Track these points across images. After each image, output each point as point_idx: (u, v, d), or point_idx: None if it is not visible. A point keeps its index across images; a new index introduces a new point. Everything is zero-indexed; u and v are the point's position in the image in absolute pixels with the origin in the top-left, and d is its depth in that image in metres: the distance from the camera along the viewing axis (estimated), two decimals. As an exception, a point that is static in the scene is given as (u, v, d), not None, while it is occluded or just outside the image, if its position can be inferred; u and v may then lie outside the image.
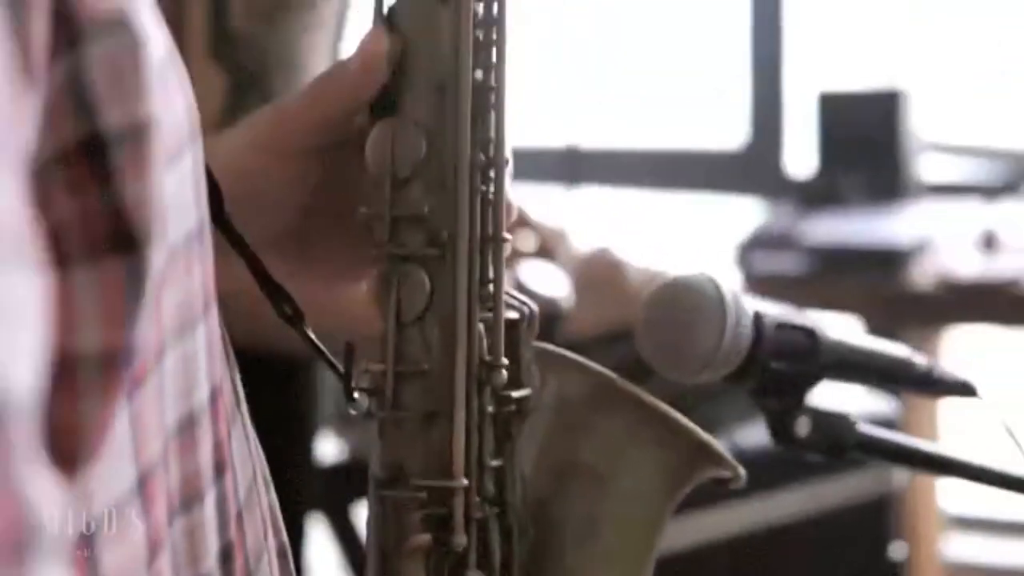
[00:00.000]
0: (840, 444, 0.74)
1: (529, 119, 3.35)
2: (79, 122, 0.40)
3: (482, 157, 0.62)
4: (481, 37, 0.63)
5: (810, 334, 0.73)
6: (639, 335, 0.70)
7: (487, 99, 0.62)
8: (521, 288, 1.34)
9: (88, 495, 0.41)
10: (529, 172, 3.23)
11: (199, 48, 1.11)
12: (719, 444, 0.68)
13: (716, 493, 1.22)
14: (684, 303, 0.69)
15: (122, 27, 0.41)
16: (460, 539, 0.60)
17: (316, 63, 0.66)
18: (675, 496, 0.70)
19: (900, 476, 1.44)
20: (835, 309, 2.42)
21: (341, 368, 0.64)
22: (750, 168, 2.87)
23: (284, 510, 0.63)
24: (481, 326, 0.62)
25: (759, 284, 2.26)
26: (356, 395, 0.63)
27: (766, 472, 1.18)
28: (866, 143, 2.48)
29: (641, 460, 0.68)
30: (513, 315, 0.65)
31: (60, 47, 0.39)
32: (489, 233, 0.62)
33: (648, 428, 0.68)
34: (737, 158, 2.92)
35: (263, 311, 0.64)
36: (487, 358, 0.62)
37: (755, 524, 1.26)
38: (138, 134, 0.42)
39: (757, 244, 2.33)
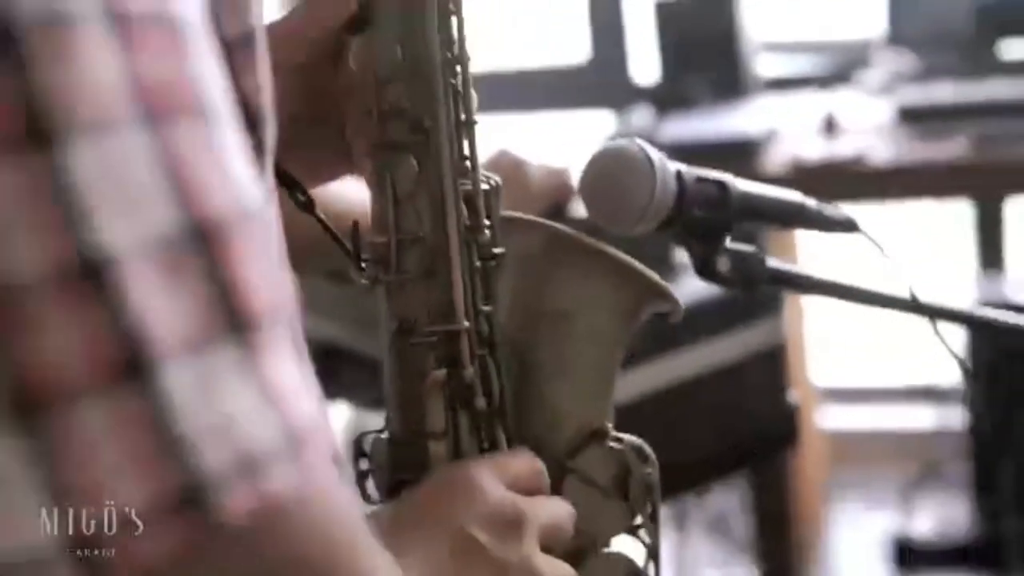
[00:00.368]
0: (754, 278, 0.89)
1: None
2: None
3: (448, 55, 0.74)
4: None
5: (722, 186, 0.87)
6: (582, 198, 0.84)
7: (447, 8, 0.75)
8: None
9: None
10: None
11: None
12: (661, 281, 0.82)
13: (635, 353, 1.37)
14: (619, 166, 0.83)
15: None
16: (469, 372, 0.74)
17: None
18: (630, 329, 0.83)
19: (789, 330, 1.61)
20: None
21: (349, 246, 0.76)
22: (597, 81, 3.00)
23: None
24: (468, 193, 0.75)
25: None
26: (364, 265, 0.76)
27: (670, 333, 1.33)
28: (705, 46, 2.62)
29: (598, 300, 0.81)
30: (485, 187, 0.78)
31: None
32: (462, 118, 0.75)
33: (601, 271, 0.81)
34: (583, 72, 3.05)
35: None
36: (475, 222, 0.75)
37: (662, 382, 1.40)
38: (250, 40, 0.54)
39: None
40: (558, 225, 0.81)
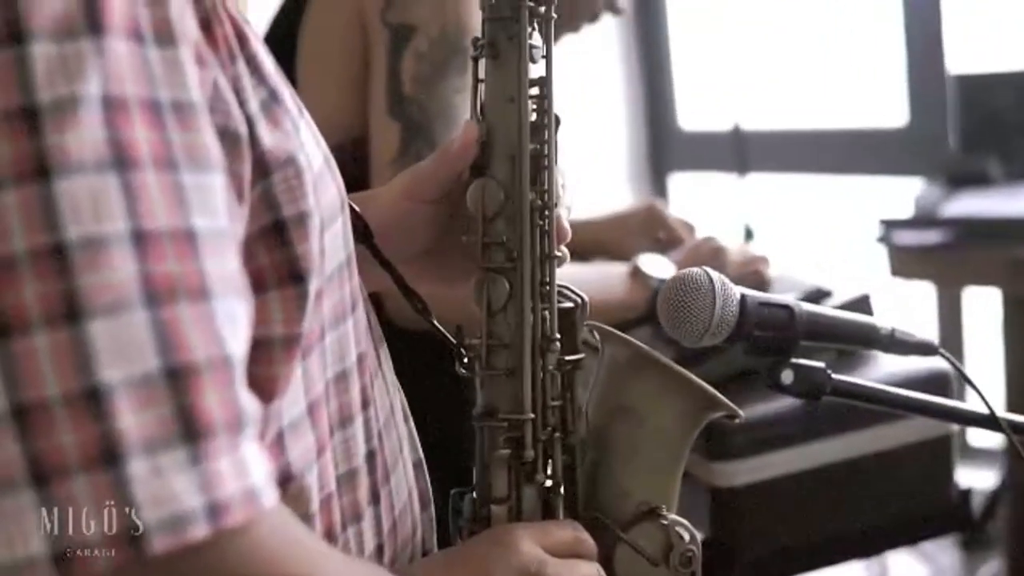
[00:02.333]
0: (817, 390, 1.10)
1: (696, 104, 3.66)
2: (271, 213, 0.79)
3: (539, 202, 1.00)
4: (535, 119, 1.01)
5: (788, 309, 1.09)
6: (660, 315, 1.07)
7: (541, 163, 1.00)
8: (639, 272, 1.73)
9: (279, 414, 0.81)
10: (698, 157, 3.53)
11: (381, 108, 1.57)
12: (719, 394, 1.05)
13: (804, 431, 1.58)
14: (685, 290, 1.06)
15: (292, 162, 0.80)
16: (529, 453, 0.99)
17: (464, 114, 1.05)
18: (693, 430, 1.07)
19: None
20: (976, 281, 2.71)
21: (455, 341, 1.02)
22: (909, 147, 3.13)
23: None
24: (545, 313, 1.00)
25: (902, 258, 2.57)
26: (465, 359, 1.02)
27: (845, 414, 1.54)
28: (1006, 124, 2.74)
29: (665, 405, 1.05)
30: (569, 304, 1.03)
31: (256, 178, 0.78)
32: (546, 253, 1.00)
33: (669, 383, 1.05)
34: (899, 137, 3.18)
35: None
36: (547, 334, 1.00)
37: (833, 460, 1.61)
38: (303, 218, 0.80)
39: (903, 220, 2.61)
40: (639, 343, 1.05)
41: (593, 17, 1.90)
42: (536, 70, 1.02)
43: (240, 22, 0.80)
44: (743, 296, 1.07)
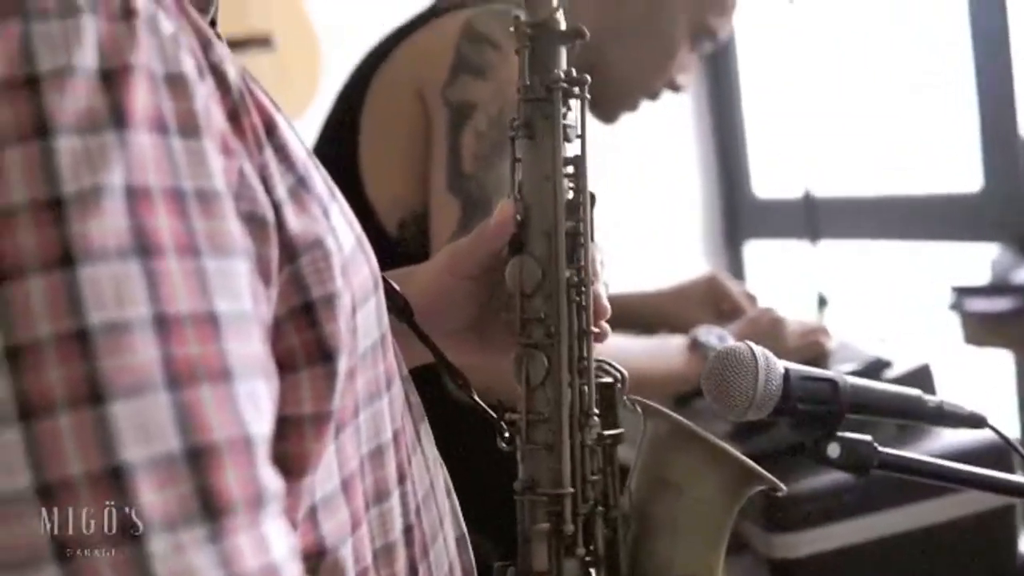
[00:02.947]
0: (864, 463, 1.10)
1: (769, 171, 3.66)
2: (299, 295, 0.81)
3: (575, 278, 1.01)
4: (571, 197, 1.02)
5: (832, 383, 1.09)
6: (704, 390, 1.08)
7: (577, 240, 1.02)
8: (697, 344, 1.74)
9: (312, 490, 0.82)
10: (772, 224, 3.52)
11: (441, 184, 1.60)
12: (759, 468, 1.05)
13: (864, 502, 1.57)
14: (727, 366, 1.06)
15: (319, 244, 0.81)
16: (569, 527, 0.99)
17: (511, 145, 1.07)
18: (736, 502, 1.07)
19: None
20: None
21: (495, 416, 1.04)
22: (982, 213, 3.10)
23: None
24: (584, 388, 1.01)
25: (975, 326, 2.54)
26: (506, 433, 1.03)
27: (906, 485, 1.53)
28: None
29: (706, 479, 1.06)
30: (608, 379, 1.04)
31: (284, 261, 0.79)
32: (583, 329, 1.01)
33: (711, 456, 1.05)
34: (972, 203, 3.15)
35: None
36: (586, 409, 1.01)
37: (894, 531, 1.60)
38: (331, 299, 0.82)
39: (975, 287, 2.59)
40: (679, 417, 1.05)
41: (653, 96, 1.92)
42: (572, 149, 1.03)
43: (269, 109, 0.82)
44: (787, 370, 1.07)
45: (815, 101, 3.34)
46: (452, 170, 1.66)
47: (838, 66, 3.39)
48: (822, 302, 2.99)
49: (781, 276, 3.44)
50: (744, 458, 1.05)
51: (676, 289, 2.06)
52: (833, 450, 1.09)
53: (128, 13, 0.72)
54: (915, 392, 1.12)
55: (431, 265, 1.12)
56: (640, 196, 3.48)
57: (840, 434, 1.09)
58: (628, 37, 1.84)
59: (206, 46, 0.77)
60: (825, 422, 1.09)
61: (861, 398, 1.10)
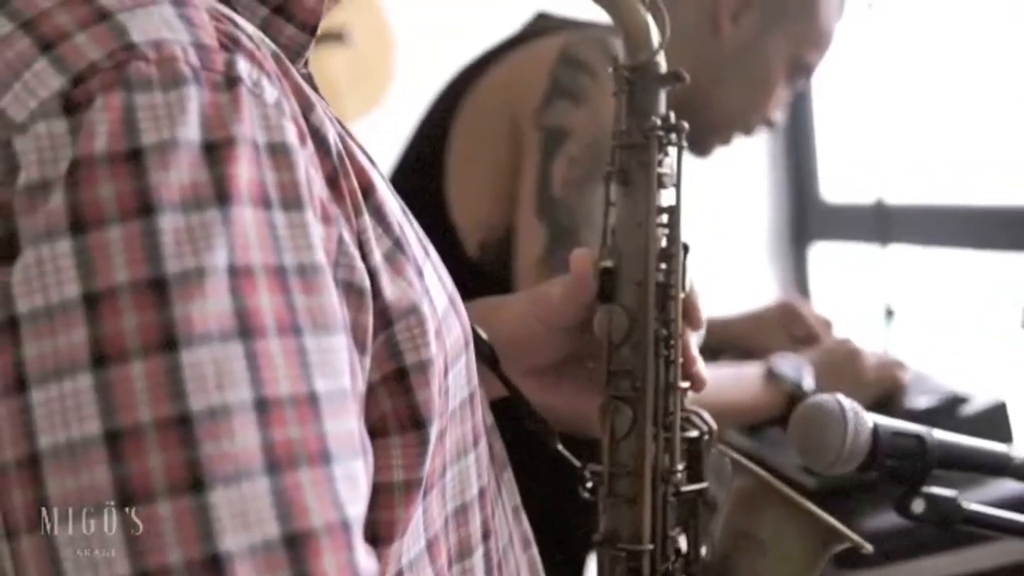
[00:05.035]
0: (949, 519, 1.08)
1: (838, 176, 3.63)
2: (393, 361, 0.80)
3: (664, 331, 1.00)
4: (664, 245, 1.01)
5: (920, 439, 1.07)
6: (792, 442, 1.07)
7: (668, 292, 1.00)
8: (774, 375, 1.72)
9: (399, 555, 0.82)
10: (840, 228, 3.51)
11: (529, 208, 1.59)
12: (844, 527, 1.04)
13: (936, 541, 1.56)
14: (817, 418, 1.05)
15: (414, 311, 0.81)
16: (650, 583, 0.99)
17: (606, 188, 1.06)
18: (818, 562, 1.06)
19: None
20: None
21: (578, 465, 1.03)
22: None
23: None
24: (668, 442, 1.01)
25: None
26: (588, 484, 1.02)
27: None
28: None
29: (790, 536, 1.05)
30: (694, 433, 1.03)
31: (379, 328, 0.79)
32: (669, 383, 1.00)
33: (794, 514, 1.04)
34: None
35: None
36: (670, 464, 1.00)
37: (965, 571, 1.59)
38: (425, 366, 0.81)
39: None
40: (766, 474, 1.05)
41: (748, 131, 1.91)
42: (666, 196, 1.02)
43: (366, 168, 0.82)
44: (875, 426, 1.06)
45: (889, 106, 3.30)
46: (541, 195, 1.64)
47: (914, 72, 3.36)
48: (889, 314, 2.96)
49: (848, 280, 3.41)
50: (829, 518, 1.04)
51: (750, 315, 2.05)
52: (918, 505, 1.08)
53: (232, 81, 0.71)
54: (1002, 448, 1.11)
55: (516, 305, 1.11)
56: (706, 193, 3.46)
57: (925, 489, 1.08)
58: (726, 74, 1.82)
59: (307, 109, 0.77)
60: (911, 477, 1.08)
61: (948, 454, 1.08)
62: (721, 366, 1.83)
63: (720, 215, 3.54)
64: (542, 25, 1.79)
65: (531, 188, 1.64)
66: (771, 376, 1.73)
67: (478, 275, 1.67)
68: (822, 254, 3.66)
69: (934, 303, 3.37)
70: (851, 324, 3.18)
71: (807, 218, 3.65)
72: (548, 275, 1.55)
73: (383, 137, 2.16)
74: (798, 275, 3.58)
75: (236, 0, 0.86)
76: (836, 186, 3.61)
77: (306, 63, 0.91)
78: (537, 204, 1.63)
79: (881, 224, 3.23)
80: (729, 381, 1.72)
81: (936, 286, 3.41)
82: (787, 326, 1.99)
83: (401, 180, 1.75)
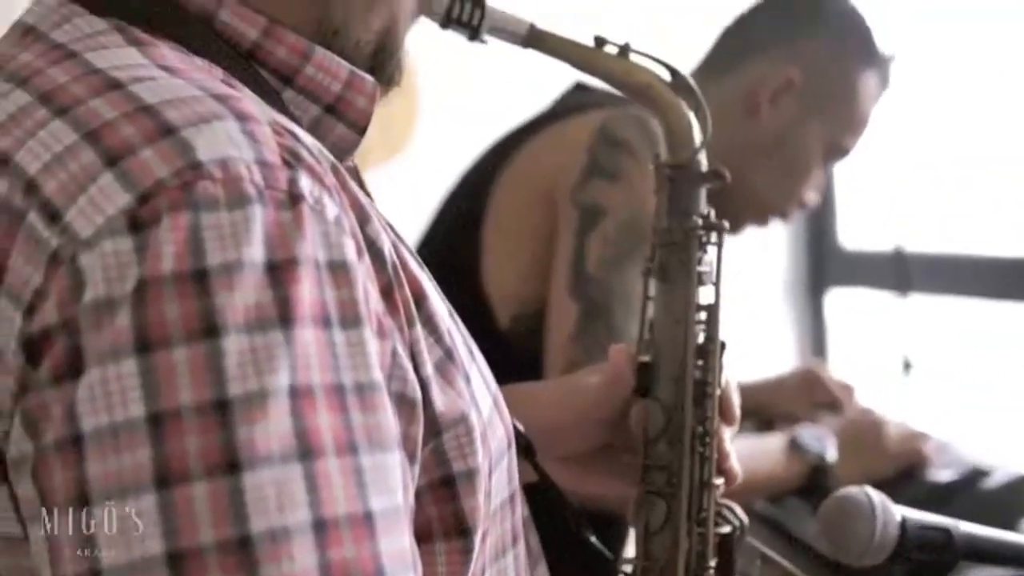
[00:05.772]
0: (974, 610, 1.11)
1: (857, 222, 3.65)
2: (440, 469, 0.82)
3: (700, 428, 1.02)
4: (702, 343, 1.03)
5: (947, 532, 1.09)
6: (821, 532, 1.09)
7: (704, 389, 1.03)
8: (797, 447, 1.75)
9: None
10: (858, 276, 3.51)
11: (562, 285, 1.60)
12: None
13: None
14: (845, 511, 1.07)
15: (463, 420, 0.83)
16: None
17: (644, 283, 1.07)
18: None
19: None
20: None
21: (611, 557, 1.05)
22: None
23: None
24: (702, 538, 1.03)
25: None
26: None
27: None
28: None
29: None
30: (727, 528, 1.05)
31: (428, 437, 0.81)
32: (704, 480, 1.02)
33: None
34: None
35: None
36: (702, 560, 1.02)
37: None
38: (472, 474, 0.84)
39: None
40: (791, 565, 1.07)
41: (784, 215, 1.93)
42: (705, 293, 1.05)
43: (418, 275, 0.84)
44: (903, 519, 1.08)
45: (910, 153, 3.31)
46: (575, 273, 1.65)
47: (935, 119, 3.37)
48: (906, 366, 2.97)
49: (866, 327, 3.42)
50: None
51: (772, 381, 2.07)
52: (947, 596, 1.10)
53: (294, 199, 0.73)
54: (1028, 542, 1.13)
55: (552, 393, 1.14)
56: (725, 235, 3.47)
57: (952, 583, 1.10)
58: (764, 159, 1.84)
59: (364, 221, 0.79)
60: (938, 570, 1.10)
61: (975, 547, 1.11)
62: (745, 436, 1.85)
63: (738, 258, 3.56)
64: (581, 99, 1.79)
65: (565, 265, 1.65)
66: (794, 448, 1.75)
67: (508, 348, 1.68)
68: (840, 300, 3.67)
69: (953, 353, 3.38)
70: (869, 375, 3.21)
71: (825, 264, 3.66)
72: (579, 352, 1.56)
73: (405, 185, 2.17)
74: (815, 321, 3.59)
75: (289, 100, 0.88)
76: (855, 232, 3.63)
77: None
78: (571, 281, 1.64)
79: (900, 272, 3.24)
80: (753, 452, 1.74)
81: (955, 336, 3.42)
82: (809, 393, 2.01)
83: (435, 248, 1.77)
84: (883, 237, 3.32)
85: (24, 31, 0.86)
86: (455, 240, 1.76)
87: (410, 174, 2.22)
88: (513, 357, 1.59)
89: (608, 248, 1.62)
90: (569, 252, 1.64)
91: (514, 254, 1.71)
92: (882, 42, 1.93)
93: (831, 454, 1.74)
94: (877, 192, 3.40)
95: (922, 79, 3.26)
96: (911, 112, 3.27)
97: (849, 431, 1.81)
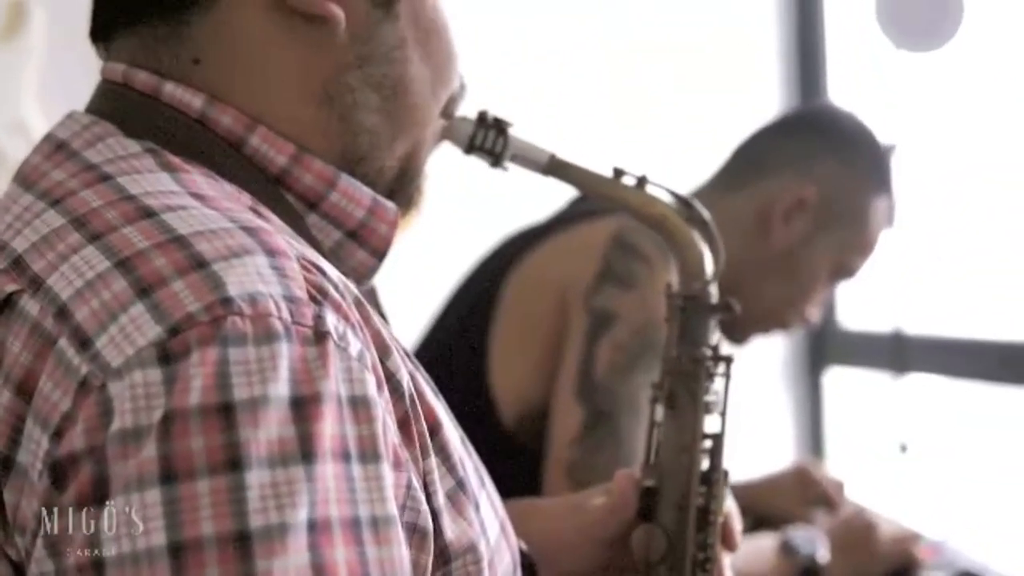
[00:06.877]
0: None
1: (856, 302, 3.67)
2: None
3: (701, 555, 1.05)
4: (706, 470, 1.06)
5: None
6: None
7: (706, 516, 1.05)
8: (788, 548, 1.77)
9: None
10: (856, 356, 3.53)
11: (568, 389, 1.62)
12: None
13: None
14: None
15: (472, 550, 0.85)
16: None
17: (651, 409, 1.08)
18: None
19: None
20: None
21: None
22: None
23: None
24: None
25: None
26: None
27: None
28: None
29: None
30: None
31: (437, 566, 0.82)
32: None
33: None
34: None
35: None
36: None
37: None
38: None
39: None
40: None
41: (785, 328, 1.95)
42: (711, 422, 1.07)
43: (433, 406, 0.86)
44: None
45: (909, 236, 3.34)
46: (582, 377, 1.65)
47: (934, 202, 3.40)
48: (903, 448, 2.99)
49: (862, 407, 3.44)
50: None
51: (765, 480, 2.08)
52: None
53: (320, 336, 0.75)
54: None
55: (555, 510, 1.15)
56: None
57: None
58: (770, 274, 1.86)
59: (384, 354, 0.81)
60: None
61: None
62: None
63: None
64: (593, 203, 1.78)
65: (573, 369, 1.66)
66: (786, 549, 1.77)
67: (512, 446, 1.69)
68: (837, 379, 3.69)
69: (949, 435, 3.40)
70: (865, 456, 3.23)
71: (824, 343, 3.68)
72: (580, 455, 1.57)
73: (406, 267, 2.19)
74: (813, 400, 3.61)
75: (313, 224, 0.91)
76: (854, 313, 3.65)
77: None
78: (577, 386, 1.65)
79: (898, 353, 3.26)
80: (747, 554, 1.75)
81: (952, 418, 3.44)
82: (803, 491, 2.03)
83: (441, 347, 1.79)
84: (882, 318, 3.35)
85: (56, 146, 0.88)
86: (462, 340, 1.77)
87: (411, 258, 2.23)
88: (517, 457, 1.60)
89: (618, 354, 1.63)
90: (578, 356, 1.66)
91: (522, 355, 1.71)
92: (892, 170, 1.95)
93: (822, 555, 1.77)
94: (877, 274, 3.42)
95: (922, 164, 3.29)
96: (911, 197, 3.30)
97: (841, 532, 1.84)
